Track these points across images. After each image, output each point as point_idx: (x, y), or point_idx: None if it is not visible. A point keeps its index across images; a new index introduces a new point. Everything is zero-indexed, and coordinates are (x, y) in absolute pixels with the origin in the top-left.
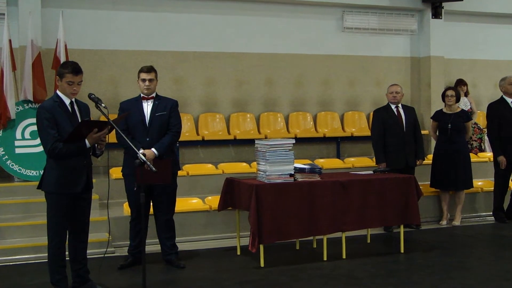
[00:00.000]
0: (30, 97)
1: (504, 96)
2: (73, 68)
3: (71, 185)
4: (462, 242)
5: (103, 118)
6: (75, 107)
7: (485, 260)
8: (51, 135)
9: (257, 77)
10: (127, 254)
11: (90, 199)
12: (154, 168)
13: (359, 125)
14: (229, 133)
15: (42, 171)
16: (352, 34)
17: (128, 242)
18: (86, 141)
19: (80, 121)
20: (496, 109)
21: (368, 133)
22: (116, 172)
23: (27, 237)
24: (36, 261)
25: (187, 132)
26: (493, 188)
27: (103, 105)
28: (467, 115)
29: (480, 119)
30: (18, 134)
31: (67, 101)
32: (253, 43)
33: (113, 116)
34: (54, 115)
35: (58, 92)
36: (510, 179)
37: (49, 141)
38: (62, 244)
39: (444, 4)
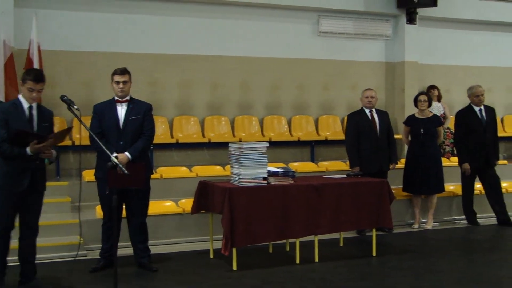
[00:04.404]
0: (1, 97)
1: (471, 105)
2: (35, 76)
3: (13, 183)
4: (434, 245)
5: (75, 121)
6: (34, 111)
7: (457, 263)
8: (0, 134)
9: (233, 80)
10: (99, 257)
11: (39, 202)
12: (126, 171)
13: (333, 129)
14: (203, 136)
15: None
16: (328, 39)
17: (101, 245)
18: (27, 148)
19: (37, 126)
20: (464, 116)
21: (342, 137)
22: (89, 175)
23: None
24: None
25: (161, 135)
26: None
27: (75, 107)
28: (438, 120)
29: (452, 124)
30: None
31: (25, 105)
32: (228, 46)
33: (86, 119)
34: (7, 116)
35: (19, 95)
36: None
37: None
38: (3, 239)
39: (418, 9)
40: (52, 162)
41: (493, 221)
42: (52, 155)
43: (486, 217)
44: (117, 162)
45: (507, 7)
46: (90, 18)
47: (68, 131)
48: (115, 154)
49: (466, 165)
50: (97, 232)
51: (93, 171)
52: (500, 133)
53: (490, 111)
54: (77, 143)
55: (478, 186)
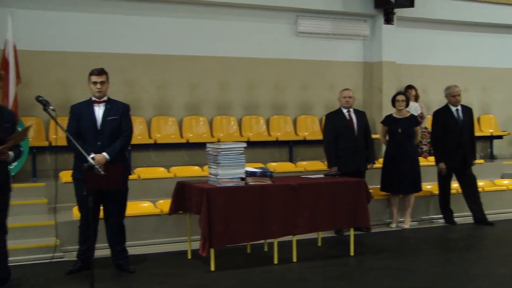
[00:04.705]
0: None
1: (448, 104)
2: None
3: None
4: (411, 244)
5: (52, 122)
6: None
7: (433, 263)
8: None
9: (210, 80)
10: (76, 259)
11: (5, 202)
12: (102, 172)
13: (311, 129)
14: (181, 136)
15: None
16: (306, 39)
17: (78, 247)
18: None
19: None
20: (441, 116)
21: (320, 137)
22: (66, 176)
23: None
24: None
25: (139, 135)
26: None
27: (51, 107)
28: (416, 119)
29: (430, 123)
30: None
31: None
32: (206, 46)
33: (62, 119)
34: None
35: None
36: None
37: None
38: None
39: (396, 10)
40: (9, 164)
41: (470, 220)
42: (9, 157)
43: (463, 216)
44: (93, 163)
45: (483, 8)
46: (66, 17)
47: (27, 130)
48: (92, 155)
49: (442, 165)
50: (74, 233)
51: (70, 172)
52: (477, 133)
53: (467, 111)
54: (53, 143)
55: (455, 185)
